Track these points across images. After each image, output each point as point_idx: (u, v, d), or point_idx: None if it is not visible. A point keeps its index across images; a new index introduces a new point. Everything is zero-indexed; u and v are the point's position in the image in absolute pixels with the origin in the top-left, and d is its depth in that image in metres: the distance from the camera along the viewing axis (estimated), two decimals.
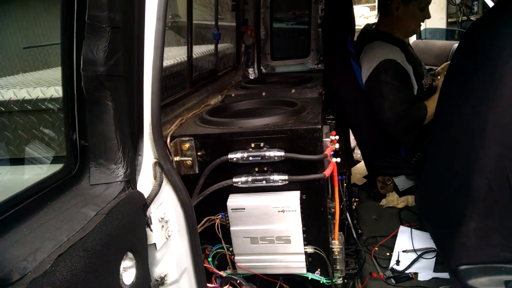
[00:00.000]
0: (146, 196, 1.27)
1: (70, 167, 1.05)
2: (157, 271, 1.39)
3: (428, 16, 2.84)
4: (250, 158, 1.67)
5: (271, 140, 1.69)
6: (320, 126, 1.65)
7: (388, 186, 2.75)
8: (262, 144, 1.70)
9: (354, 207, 2.76)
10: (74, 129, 1.03)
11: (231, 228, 1.76)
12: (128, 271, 1.05)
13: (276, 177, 1.67)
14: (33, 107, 1.52)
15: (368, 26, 3.05)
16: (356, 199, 2.89)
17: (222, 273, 1.87)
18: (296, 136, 1.67)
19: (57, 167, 1.07)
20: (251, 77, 3.48)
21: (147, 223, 1.17)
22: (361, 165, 3.49)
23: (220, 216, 1.80)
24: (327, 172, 1.66)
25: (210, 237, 1.85)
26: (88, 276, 0.84)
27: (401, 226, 2.36)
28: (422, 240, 2.25)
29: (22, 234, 0.84)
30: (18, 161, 1.55)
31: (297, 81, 2.76)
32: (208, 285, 1.85)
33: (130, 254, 1.05)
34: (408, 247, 2.25)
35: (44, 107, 1.52)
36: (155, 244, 1.34)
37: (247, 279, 1.83)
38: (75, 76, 0.98)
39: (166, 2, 1.30)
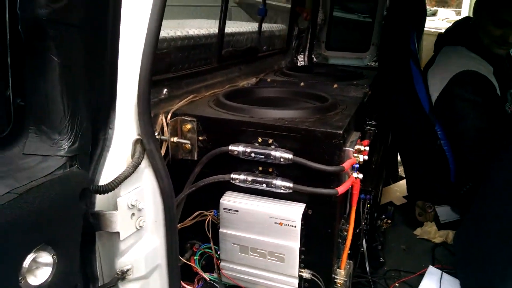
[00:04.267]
0: (114, 177, 1.07)
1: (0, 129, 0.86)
2: (119, 264, 1.20)
3: (507, 39, 2.27)
4: (252, 155, 1.41)
5: (281, 138, 1.42)
6: (341, 132, 1.34)
7: (428, 214, 2.36)
8: (270, 141, 1.43)
9: (383, 230, 2.41)
10: (7, 84, 0.83)
11: (220, 230, 1.52)
12: (42, 268, 0.85)
13: (279, 182, 1.40)
14: None
15: (462, 21, 2.55)
16: (389, 221, 2.53)
17: (206, 277, 1.65)
18: (311, 139, 1.38)
19: None
20: (300, 64, 3.18)
21: (86, 211, 0.95)
22: (404, 182, 3.09)
23: (212, 213, 1.57)
24: (341, 189, 1.36)
25: (201, 233, 1.62)
26: None
27: (430, 266, 1.98)
28: (452, 287, 1.87)
29: None
30: None
31: (343, 76, 2.42)
32: (187, 286, 1.65)
33: (47, 248, 0.85)
34: None
35: None
36: (118, 233, 1.14)
37: None
38: (8, 16, 0.78)
39: None
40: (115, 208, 1.11)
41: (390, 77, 2.30)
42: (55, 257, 0.87)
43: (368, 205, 1.71)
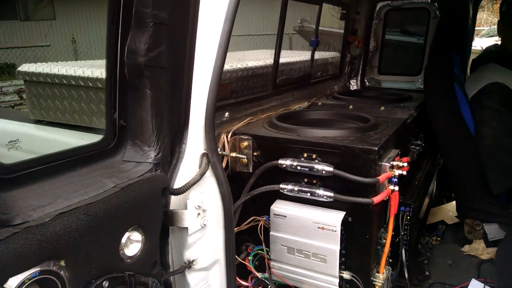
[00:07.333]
0: (185, 183, 1.36)
1: (108, 142, 1.19)
2: (187, 255, 1.47)
3: None
4: (298, 168, 1.64)
5: (323, 154, 1.64)
6: (376, 148, 1.54)
7: (477, 232, 2.40)
8: (314, 156, 1.66)
9: (431, 246, 2.50)
10: (115, 110, 1.17)
11: (271, 233, 1.76)
12: (134, 244, 1.15)
13: (321, 192, 1.61)
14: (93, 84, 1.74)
15: (492, 47, 2.70)
16: (438, 238, 2.61)
17: (259, 275, 1.88)
18: (350, 154, 1.59)
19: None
20: (353, 88, 3.38)
21: (164, 205, 1.25)
22: None
23: (264, 218, 1.81)
24: (376, 199, 1.55)
25: (254, 236, 1.87)
26: (82, 236, 0.95)
27: (473, 279, 2.05)
28: None
29: (43, 189, 1.00)
30: (75, 127, 1.81)
31: (391, 99, 2.59)
32: (243, 282, 1.90)
33: (138, 229, 1.15)
34: None
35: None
36: (187, 228, 1.42)
37: (280, 287, 1.81)
38: (119, 63, 1.11)
39: (236, 5, 1.37)
40: (185, 207, 1.40)
41: (435, 100, 2.43)
42: (143, 237, 1.17)
43: (408, 217, 1.85)
